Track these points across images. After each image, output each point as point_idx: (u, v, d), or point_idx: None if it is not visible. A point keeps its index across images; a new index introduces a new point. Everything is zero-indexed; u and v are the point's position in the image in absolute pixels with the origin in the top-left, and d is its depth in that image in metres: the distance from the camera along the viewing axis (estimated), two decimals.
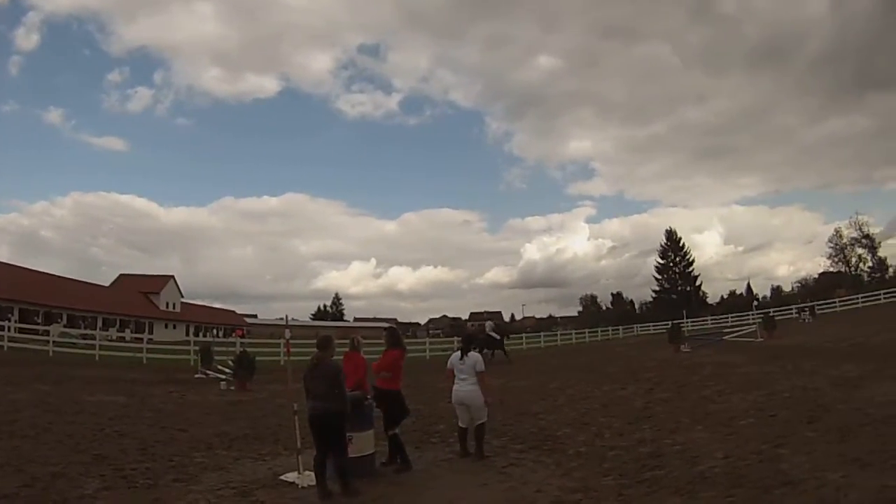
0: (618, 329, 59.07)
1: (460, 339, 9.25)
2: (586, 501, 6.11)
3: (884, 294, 48.42)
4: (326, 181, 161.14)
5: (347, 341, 8.45)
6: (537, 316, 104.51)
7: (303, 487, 6.89)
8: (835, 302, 50.68)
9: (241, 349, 21.33)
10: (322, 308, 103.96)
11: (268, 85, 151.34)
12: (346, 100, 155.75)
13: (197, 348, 24.51)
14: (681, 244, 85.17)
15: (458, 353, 8.44)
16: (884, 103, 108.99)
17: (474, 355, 8.33)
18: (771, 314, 36.49)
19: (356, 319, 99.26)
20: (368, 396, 7.81)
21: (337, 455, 6.71)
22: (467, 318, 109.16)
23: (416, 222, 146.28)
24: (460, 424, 8.43)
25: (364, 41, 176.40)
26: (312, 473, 6.82)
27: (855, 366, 13.80)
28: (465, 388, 8.19)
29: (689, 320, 43.60)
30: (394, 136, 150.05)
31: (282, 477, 7.32)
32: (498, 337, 28.72)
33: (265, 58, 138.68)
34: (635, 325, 61.51)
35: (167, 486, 6.88)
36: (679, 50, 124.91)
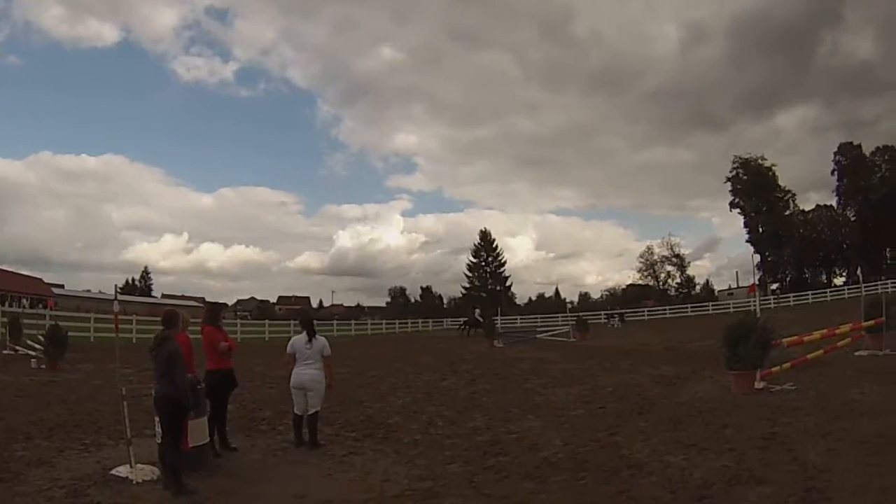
0: (427, 321, 63.40)
1: (298, 322, 9.20)
2: (438, 489, 6.30)
3: (691, 307, 58.15)
4: (148, 145, 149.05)
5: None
6: (346, 304, 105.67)
7: (137, 483, 6.52)
8: (643, 311, 58.88)
9: (53, 322, 19.91)
10: (130, 282, 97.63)
11: (107, 33, 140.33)
12: (182, 62, 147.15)
13: (5, 320, 22.87)
14: (494, 245, 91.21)
15: (304, 336, 8.42)
16: (707, 142, 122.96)
17: (321, 339, 8.40)
18: (583, 317, 39.43)
19: (164, 296, 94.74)
20: (200, 381, 7.58)
21: (165, 445, 6.40)
22: (275, 301, 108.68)
23: (232, 198, 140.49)
24: (296, 411, 8.40)
25: (213, 3, 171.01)
26: (146, 467, 6.69)
27: (672, 367, 15.36)
28: (308, 372, 8.25)
29: (501, 318, 46.37)
30: (223, 107, 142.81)
31: (113, 472, 6.86)
32: (482, 320, 38.37)
33: (111, 3, 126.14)
34: (445, 319, 64.86)
35: None
36: (521, 62, 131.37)
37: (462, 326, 42.44)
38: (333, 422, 9.79)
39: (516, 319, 60.75)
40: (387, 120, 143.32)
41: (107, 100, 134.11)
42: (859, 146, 76.64)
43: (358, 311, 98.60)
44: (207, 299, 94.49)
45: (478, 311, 42.51)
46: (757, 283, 16.72)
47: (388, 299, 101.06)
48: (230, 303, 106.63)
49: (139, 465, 6.79)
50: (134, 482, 6.53)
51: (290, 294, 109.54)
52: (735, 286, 74.25)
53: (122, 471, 6.81)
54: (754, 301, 13.89)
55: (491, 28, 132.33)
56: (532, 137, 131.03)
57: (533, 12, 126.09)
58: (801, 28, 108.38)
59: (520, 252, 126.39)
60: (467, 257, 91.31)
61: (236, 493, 6.36)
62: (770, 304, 49.13)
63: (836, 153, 77.64)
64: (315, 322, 8.95)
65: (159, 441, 6.52)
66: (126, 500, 6.05)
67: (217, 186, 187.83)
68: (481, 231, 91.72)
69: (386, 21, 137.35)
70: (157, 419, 6.61)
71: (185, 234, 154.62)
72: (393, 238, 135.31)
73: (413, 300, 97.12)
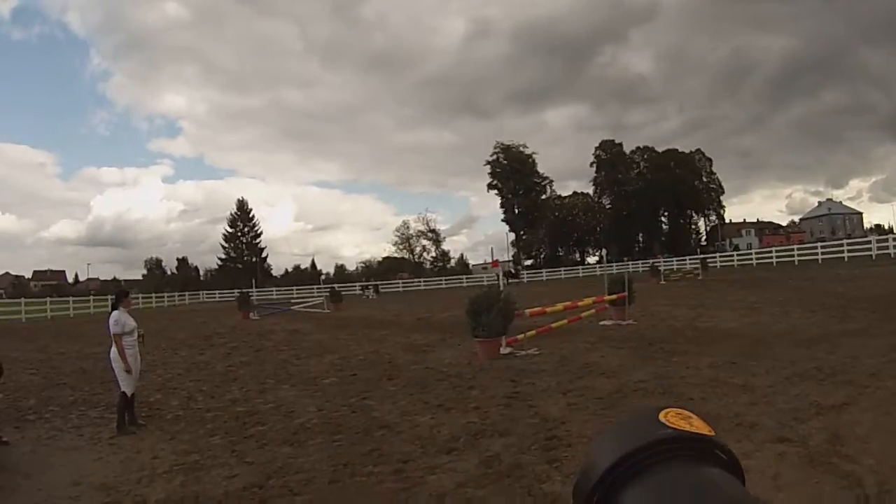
0: (184, 295, 63.01)
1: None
2: (204, 461, 6.49)
3: (445, 280, 62.86)
4: None
5: None
6: (102, 277, 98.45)
7: None
8: (398, 283, 62.48)
9: None
10: None
11: None
12: None
13: None
14: (251, 215, 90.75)
15: None
16: (471, 128, 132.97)
17: (111, 315, 8.17)
18: (337, 288, 40.27)
19: None
20: None
21: None
22: (31, 276, 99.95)
23: None
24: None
25: None
26: None
27: (421, 335, 16.38)
28: (111, 351, 8.11)
29: (256, 290, 46.22)
30: None
31: None
32: (514, 272, 50.08)
33: None
34: (201, 292, 64.88)
35: None
36: (305, 36, 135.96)
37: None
38: (97, 404, 9.75)
39: (272, 291, 61.51)
40: (157, 79, 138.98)
41: None
42: (620, 144, 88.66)
43: (114, 285, 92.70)
44: None
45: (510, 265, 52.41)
46: (511, 258, 18.30)
47: (145, 272, 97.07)
48: None
49: None
50: None
51: (45, 268, 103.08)
52: (490, 261, 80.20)
53: None
54: (502, 274, 15.24)
55: None
56: (302, 110, 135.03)
57: None
58: (584, 40, 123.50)
59: (277, 223, 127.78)
60: (224, 227, 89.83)
61: (15, 488, 6.13)
62: (523, 278, 53.89)
63: (597, 148, 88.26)
64: (122, 296, 8.67)
65: None
66: None
67: None
68: (238, 200, 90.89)
69: None
70: None
71: None
72: (151, 206, 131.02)
73: (169, 272, 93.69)
